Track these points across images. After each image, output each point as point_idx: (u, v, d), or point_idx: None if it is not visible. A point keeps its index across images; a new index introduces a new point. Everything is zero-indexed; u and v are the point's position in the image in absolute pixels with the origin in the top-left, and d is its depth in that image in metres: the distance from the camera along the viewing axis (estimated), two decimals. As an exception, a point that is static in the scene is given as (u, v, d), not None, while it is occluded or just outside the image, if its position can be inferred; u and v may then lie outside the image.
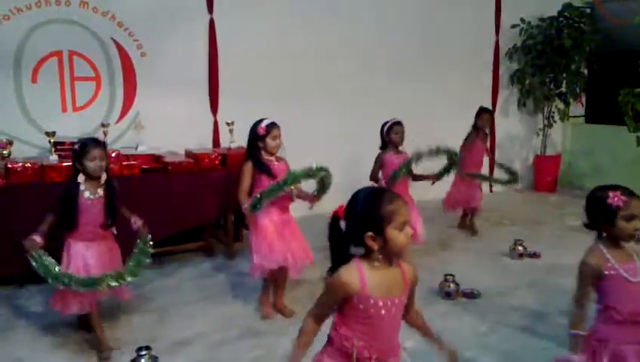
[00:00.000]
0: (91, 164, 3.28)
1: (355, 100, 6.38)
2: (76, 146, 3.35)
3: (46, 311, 3.84)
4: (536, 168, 7.98)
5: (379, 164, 4.60)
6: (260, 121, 3.84)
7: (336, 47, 6.30)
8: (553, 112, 7.69)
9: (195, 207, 4.81)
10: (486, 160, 5.88)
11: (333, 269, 1.95)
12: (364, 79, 6.47)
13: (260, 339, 3.52)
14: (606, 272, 2.32)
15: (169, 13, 5.45)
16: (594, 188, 2.44)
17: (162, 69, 5.46)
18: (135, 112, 5.42)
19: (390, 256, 1.91)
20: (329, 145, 6.13)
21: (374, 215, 1.86)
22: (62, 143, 4.53)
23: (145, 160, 4.84)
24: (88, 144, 3.31)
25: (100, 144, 3.37)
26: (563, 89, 7.59)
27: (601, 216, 2.35)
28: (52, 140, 4.56)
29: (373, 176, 4.61)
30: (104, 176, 3.36)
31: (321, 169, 3.71)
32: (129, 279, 3.22)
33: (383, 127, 4.60)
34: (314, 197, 3.87)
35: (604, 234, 2.38)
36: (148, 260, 3.33)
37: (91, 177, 3.32)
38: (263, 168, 3.78)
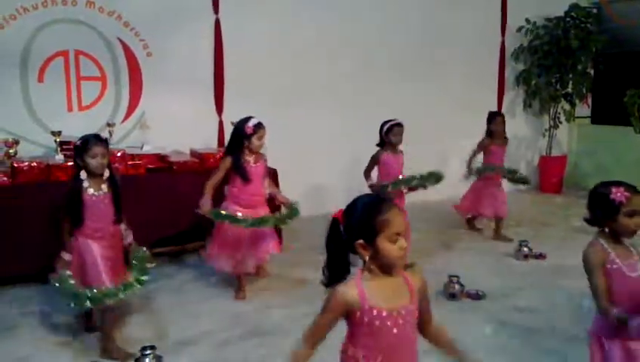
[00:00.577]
0: (93, 161, 3.23)
1: (359, 100, 6.38)
2: (78, 143, 3.30)
3: (50, 311, 3.86)
4: (541, 169, 7.95)
5: (374, 161, 4.63)
6: (248, 119, 3.91)
7: (339, 46, 6.30)
8: (559, 113, 7.66)
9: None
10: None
11: (330, 277, 1.88)
12: (368, 79, 6.47)
13: (265, 339, 3.52)
14: (607, 266, 2.32)
15: (175, 13, 5.47)
16: (596, 184, 2.43)
17: (168, 68, 5.47)
18: (141, 112, 5.43)
19: (382, 266, 1.83)
20: (332, 145, 6.17)
21: (367, 223, 1.80)
22: (68, 143, 4.54)
23: (150, 159, 4.86)
24: (90, 141, 3.25)
25: (102, 141, 3.31)
26: (569, 90, 7.56)
27: (603, 211, 2.34)
28: (58, 140, 4.58)
29: (366, 173, 4.65)
30: (107, 173, 3.32)
31: (293, 213, 3.95)
32: (138, 287, 3.18)
33: (382, 126, 4.60)
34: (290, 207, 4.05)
35: (606, 230, 2.37)
36: (151, 265, 3.32)
37: (93, 174, 3.27)
38: (238, 170, 3.91)
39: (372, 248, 1.80)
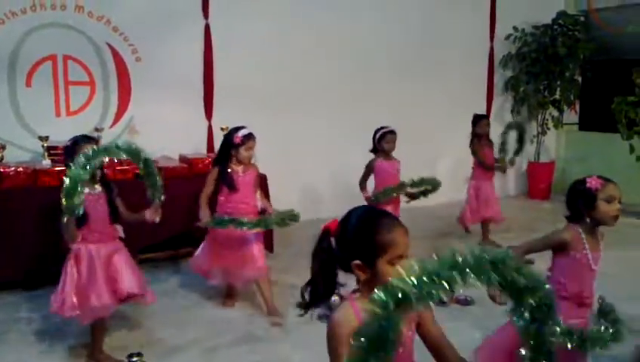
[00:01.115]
0: None
1: (350, 104, 6.39)
2: (68, 143, 3.29)
3: (37, 317, 3.82)
4: (530, 175, 7.99)
5: (369, 169, 4.61)
6: (238, 129, 3.86)
7: (331, 52, 6.31)
8: (547, 120, 7.72)
9: (189, 212, 4.78)
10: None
11: (311, 298, 1.71)
12: (359, 83, 6.49)
13: (256, 345, 3.50)
14: (576, 254, 2.47)
15: (164, 18, 5.45)
16: (572, 182, 2.57)
17: (157, 73, 5.45)
18: (129, 117, 5.41)
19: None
20: (323, 149, 6.17)
21: (367, 242, 1.61)
22: (55, 148, 4.51)
23: (139, 165, 4.82)
24: (80, 140, 3.25)
25: (92, 140, 3.33)
26: (557, 96, 7.62)
27: (582, 201, 2.47)
28: (45, 145, 4.55)
29: (362, 183, 4.62)
30: (99, 172, 3.29)
31: (293, 218, 3.83)
32: None
33: (375, 133, 4.60)
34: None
35: (587, 220, 2.47)
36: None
37: None
38: (225, 180, 3.86)
39: (370, 270, 1.61)
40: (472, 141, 5.55)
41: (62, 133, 4.78)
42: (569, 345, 2.10)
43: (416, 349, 1.75)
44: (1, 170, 4.26)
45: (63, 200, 2.79)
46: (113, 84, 5.36)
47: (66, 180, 2.80)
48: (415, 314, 1.68)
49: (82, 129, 5.02)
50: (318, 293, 1.71)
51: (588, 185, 2.45)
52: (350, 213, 1.71)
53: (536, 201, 7.69)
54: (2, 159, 4.56)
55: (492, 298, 2.37)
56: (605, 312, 2.35)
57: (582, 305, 2.50)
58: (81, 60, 5.20)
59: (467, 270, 1.28)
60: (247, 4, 5.81)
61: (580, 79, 7.75)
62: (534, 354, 1.42)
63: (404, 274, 1.38)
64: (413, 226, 5.56)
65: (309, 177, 6.14)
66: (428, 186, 4.60)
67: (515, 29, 7.45)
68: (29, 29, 4.96)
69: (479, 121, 5.60)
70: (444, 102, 7.00)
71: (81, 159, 2.82)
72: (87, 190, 3.19)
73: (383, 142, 4.54)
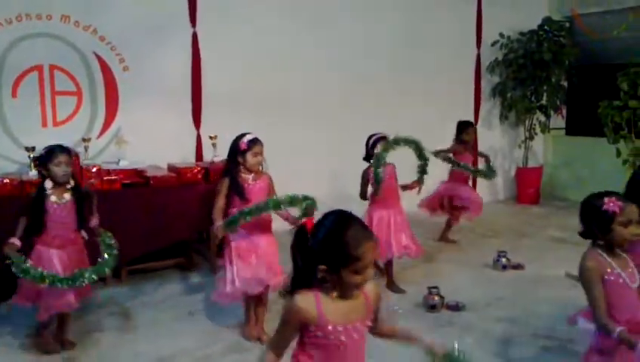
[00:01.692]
0: (57, 169, 3.34)
1: (340, 111, 6.40)
2: (42, 152, 3.42)
3: (15, 330, 3.78)
4: (518, 180, 8.04)
5: (365, 179, 4.54)
6: (243, 135, 3.74)
7: (318, 57, 6.32)
8: (534, 125, 7.78)
9: (178, 222, 4.76)
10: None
11: (292, 286, 1.81)
12: (349, 89, 6.49)
13: (245, 355, 3.48)
14: (606, 277, 2.28)
15: (151, 27, 5.43)
16: (588, 197, 2.40)
17: (145, 83, 5.42)
18: (117, 127, 5.38)
19: (341, 291, 1.77)
20: (315, 156, 6.15)
21: (334, 252, 1.71)
22: (42, 158, 4.47)
23: (126, 174, 4.79)
24: (54, 149, 3.39)
25: (66, 150, 3.43)
26: (544, 102, 7.69)
27: (597, 223, 2.31)
28: (32, 155, 4.50)
29: (362, 194, 4.56)
30: (72, 183, 3.44)
31: (306, 198, 3.50)
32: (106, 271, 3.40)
33: (368, 140, 4.60)
34: (295, 220, 3.59)
35: (601, 242, 2.34)
36: (115, 252, 3.43)
37: (58, 183, 3.38)
38: (236, 189, 3.66)
39: (334, 276, 1.73)
40: (454, 146, 5.62)
41: (48, 144, 4.76)
42: None
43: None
44: (-13, 181, 4.22)
45: None
46: (100, 93, 5.32)
47: None
48: (373, 304, 1.85)
49: (69, 139, 5.01)
50: (299, 282, 1.80)
51: (605, 207, 2.27)
52: (324, 217, 1.81)
53: (525, 206, 7.73)
54: (-12, 170, 4.52)
55: None
56: None
57: (636, 332, 2.21)
58: (68, 70, 5.16)
59: None
60: (234, 13, 5.81)
61: (566, 84, 7.83)
62: None
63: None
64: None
65: (301, 184, 6.07)
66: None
67: (502, 35, 7.52)
68: (15, 39, 4.92)
69: (467, 128, 5.63)
70: (434, 109, 7.01)
71: None
72: (54, 198, 3.37)
73: (376, 148, 4.54)
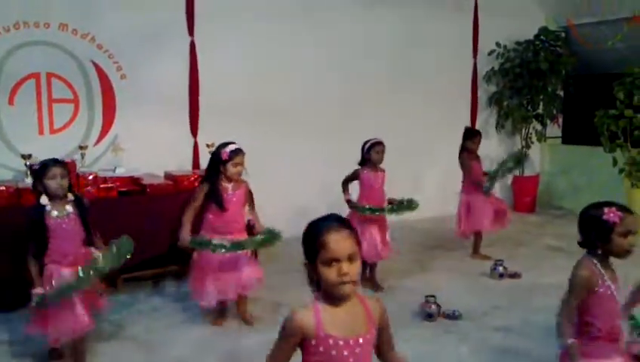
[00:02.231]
0: (52, 183, 3.17)
1: (337, 120, 6.40)
2: (36, 167, 3.28)
3: (15, 341, 3.74)
4: (515, 189, 8.05)
5: (354, 175, 4.63)
6: (226, 144, 3.79)
7: (316, 67, 6.34)
8: (531, 134, 7.81)
9: (175, 230, 4.74)
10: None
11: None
12: (347, 99, 6.51)
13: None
14: (596, 289, 2.30)
15: (149, 36, 5.44)
16: (587, 206, 2.41)
17: (142, 91, 5.42)
18: (114, 134, 5.37)
19: (325, 293, 1.75)
20: (310, 165, 6.15)
21: (307, 243, 1.77)
22: (38, 166, 4.46)
23: (123, 182, 4.79)
24: (48, 163, 3.23)
25: (60, 162, 3.28)
26: (540, 111, 7.72)
27: (596, 233, 2.32)
28: (28, 163, 4.50)
29: (345, 183, 4.64)
30: (71, 196, 3.28)
31: (274, 237, 3.79)
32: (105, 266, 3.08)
33: (364, 145, 4.62)
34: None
35: (599, 251, 2.35)
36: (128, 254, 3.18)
37: (55, 197, 3.21)
38: (214, 198, 3.76)
39: (316, 274, 1.74)
40: (461, 154, 5.52)
41: (45, 152, 4.73)
42: None
43: None
44: (-16, 188, 4.21)
45: None
46: (98, 101, 5.32)
47: None
48: (376, 319, 1.81)
49: (66, 147, 5.04)
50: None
51: (605, 217, 2.29)
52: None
53: (522, 215, 7.72)
54: (-16, 178, 4.50)
55: None
56: None
57: (614, 340, 2.33)
58: (65, 78, 5.16)
59: None
60: (232, 21, 5.82)
61: (562, 93, 7.87)
62: None
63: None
64: (400, 240, 5.65)
65: (296, 193, 6.12)
66: (406, 208, 4.63)
67: (498, 44, 7.55)
68: (12, 47, 4.92)
69: (473, 137, 5.55)
70: (430, 118, 7.04)
71: None
72: (55, 213, 3.19)
73: (372, 151, 4.55)
